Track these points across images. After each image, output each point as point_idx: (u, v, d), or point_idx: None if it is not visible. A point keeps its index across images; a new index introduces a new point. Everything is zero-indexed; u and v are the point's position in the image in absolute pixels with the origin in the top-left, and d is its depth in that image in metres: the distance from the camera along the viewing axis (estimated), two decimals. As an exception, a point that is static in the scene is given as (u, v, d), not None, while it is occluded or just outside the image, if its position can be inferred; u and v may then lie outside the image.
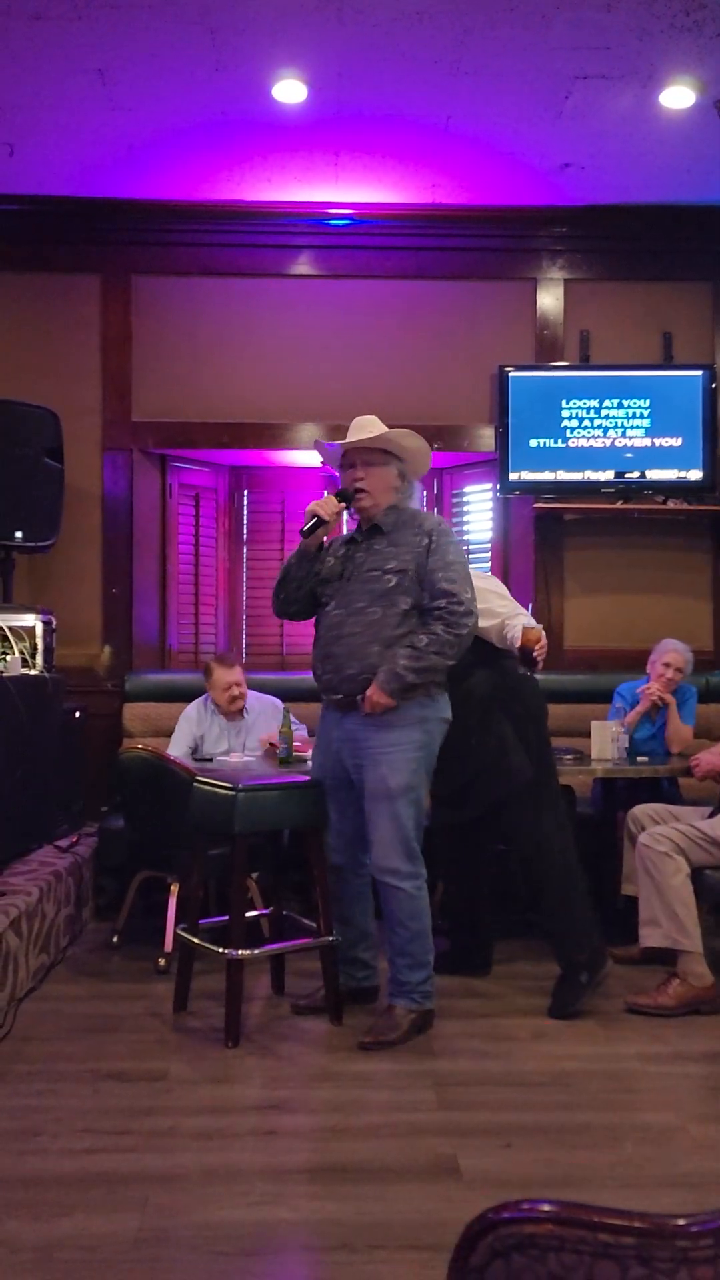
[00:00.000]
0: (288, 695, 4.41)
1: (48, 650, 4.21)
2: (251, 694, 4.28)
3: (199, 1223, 2.03)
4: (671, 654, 4.16)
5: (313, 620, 3.22)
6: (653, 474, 4.89)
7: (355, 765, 3.03)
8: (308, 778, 3.17)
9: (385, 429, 3.09)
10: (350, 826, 3.11)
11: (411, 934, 2.98)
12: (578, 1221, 0.73)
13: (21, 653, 3.97)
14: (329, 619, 3.07)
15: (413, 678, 2.89)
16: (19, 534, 4.45)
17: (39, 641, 4.13)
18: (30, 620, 4.15)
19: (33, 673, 3.99)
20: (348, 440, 3.10)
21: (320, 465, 5.30)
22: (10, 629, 3.99)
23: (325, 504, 3.07)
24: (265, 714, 4.25)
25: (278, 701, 4.29)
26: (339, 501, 3.09)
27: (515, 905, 4.33)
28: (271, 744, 4.02)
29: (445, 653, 2.91)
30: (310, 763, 3.36)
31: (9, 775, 3.48)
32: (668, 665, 4.14)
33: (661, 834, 3.34)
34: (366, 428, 3.09)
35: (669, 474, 4.88)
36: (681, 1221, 0.72)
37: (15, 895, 3.26)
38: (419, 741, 2.97)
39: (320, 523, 3.07)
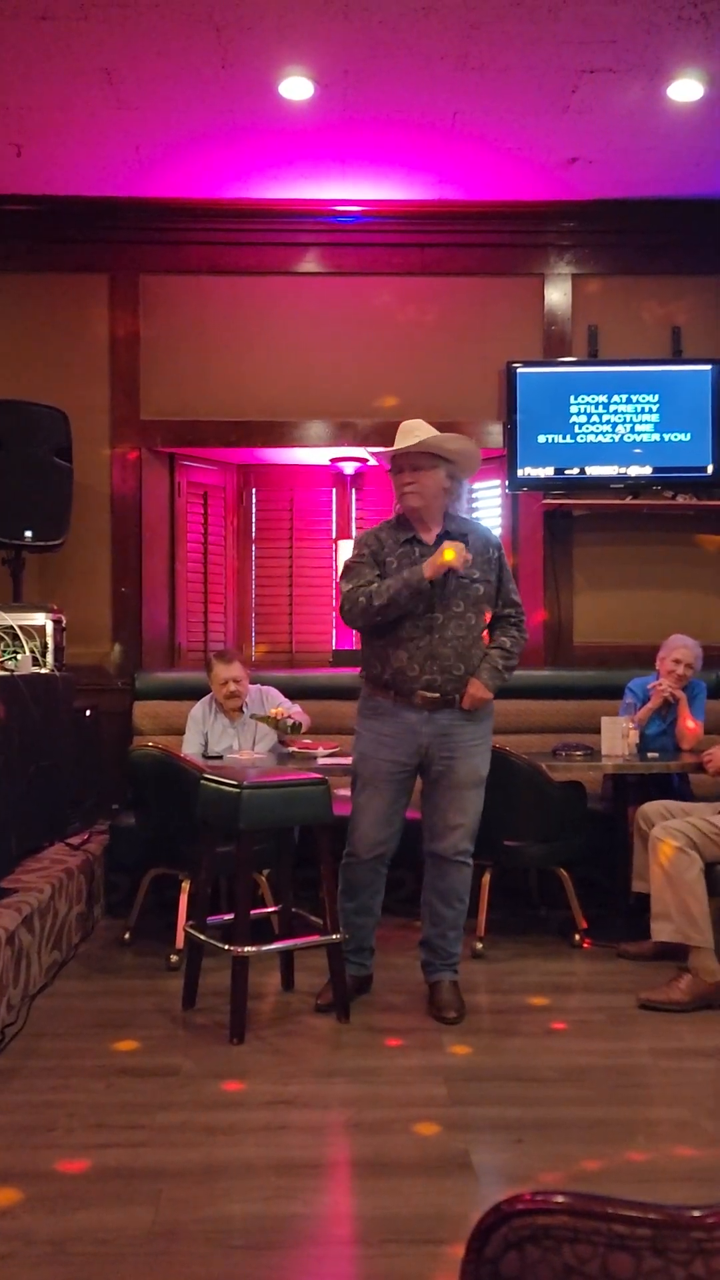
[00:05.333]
0: (297, 692, 4.42)
1: (58, 649, 4.22)
2: (252, 688, 4.28)
3: (212, 1217, 2.04)
4: (681, 650, 4.15)
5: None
6: (662, 469, 4.88)
7: (445, 757, 3.15)
8: (315, 775, 3.19)
9: (433, 431, 3.13)
10: (399, 819, 3.24)
11: (464, 907, 3.26)
12: (592, 1213, 0.73)
13: (32, 651, 3.99)
14: (425, 621, 3.10)
15: (508, 675, 3.22)
16: (29, 533, 4.46)
17: (49, 640, 4.14)
18: (40, 619, 4.16)
19: (43, 671, 4.00)
20: (395, 447, 3.14)
21: (329, 463, 5.32)
22: (21, 628, 4.00)
23: (466, 554, 3.02)
24: (256, 706, 4.25)
25: (268, 689, 4.30)
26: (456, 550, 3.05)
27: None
28: (278, 718, 4.03)
29: (520, 653, 3.28)
30: (328, 758, 3.39)
31: (21, 773, 3.50)
32: (678, 661, 4.12)
33: (676, 828, 3.34)
34: (414, 432, 3.14)
35: (678, 469, 4.86)
36: (697, 1213, 0.72)
37: (27, 892, 3.28)
38: (491, 732, 3.29)
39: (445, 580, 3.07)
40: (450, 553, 3.01)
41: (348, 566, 3.23)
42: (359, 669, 3.30)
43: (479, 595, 3.17)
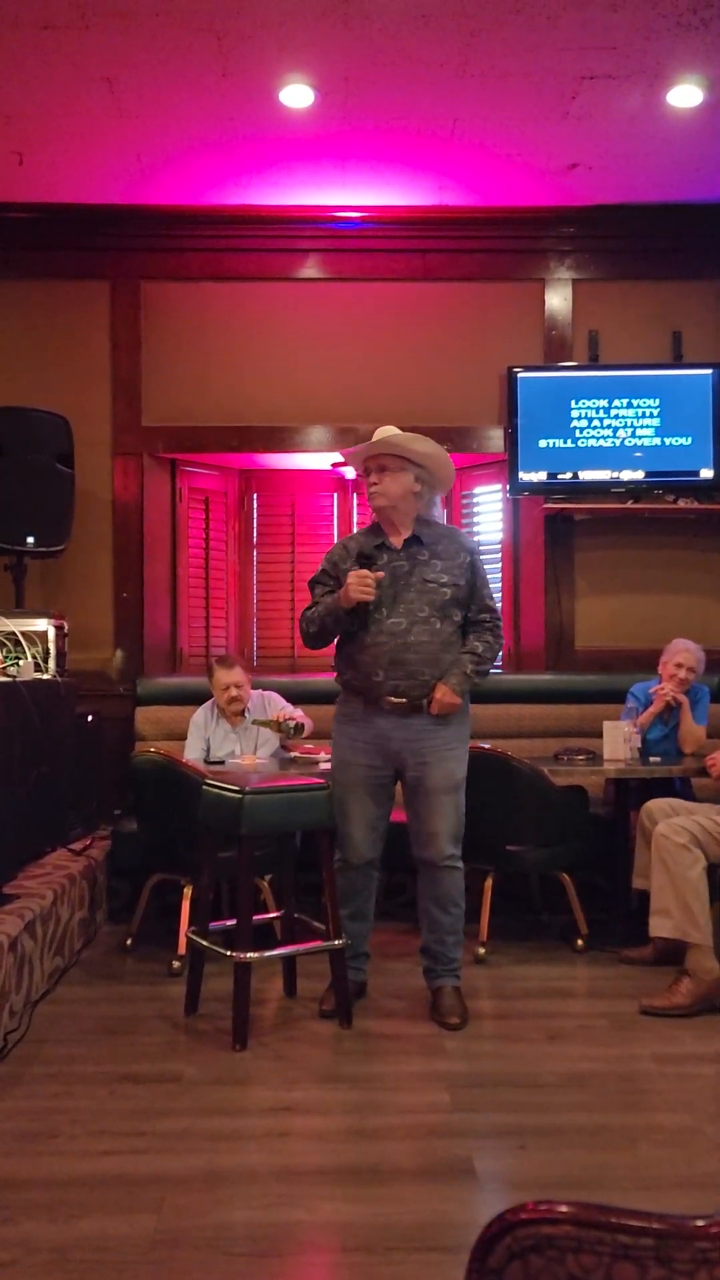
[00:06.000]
0: (299, 697, 4.42)
1: (60, 654, 4.22)
2: (254, 693, 4.29)
3: (215, 1224, 2.04)
4: (683, 653, 4.15)
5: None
6: (663, 473, 4.88)
7: (418, 763, 3.15)
8: (317, 780, 3.19)
9: (404, 435, 3.17)
10: (384, 823, 3.27)
11: (461, 911, 3.23)
12: (596, 1223, 0.73)
13: (34, 657, 3.99)
14: (388, 626, 3.13)
15: (478, 680, 3.20)
16: (31, 539, 4.47)
17: (51, 646, 4.15)
18: (42, 625, 4.16)
19: (45, 677, 4.01)
20: (359, 448, 3.19)
21: (330, 468, 5.33)
22: (23, 633, 4.00)
23: (366, 590, 3.05)
24: (258, 711, 4.26)
25: (270, 694, 4.31)
26: (366, 567, 3.10)
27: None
28: (282, 722, 4.04)
29: (495, 657, 3.26)
30: (329, 763, 3.40)
31: (23, 779, 3.50)
32: (680, 665, 4.12)
33: (681, 825, 3.33)
34: (385, 436, 3.18)
35: (679, 473, 4.86)
36: (701, 1222, 0.72)
37: (30, 898, 3.28)
38: (468, 736, 3.27)
39: (367, 605, 3.09)
40: (355, 591, 3.04)
41: (309, 584, 3.31)
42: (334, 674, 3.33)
43: (446, 600, 3.15)
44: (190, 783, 3.48)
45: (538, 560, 5.04)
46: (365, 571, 3.07)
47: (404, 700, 3.12)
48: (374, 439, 3.18)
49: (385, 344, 5.03)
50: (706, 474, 4.84)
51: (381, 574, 3.11)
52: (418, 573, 3.15)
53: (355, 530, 5.29)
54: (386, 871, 3.90)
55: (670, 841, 3.29)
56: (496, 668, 5.20)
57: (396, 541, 3.19)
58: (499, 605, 3.31)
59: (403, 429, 3.21)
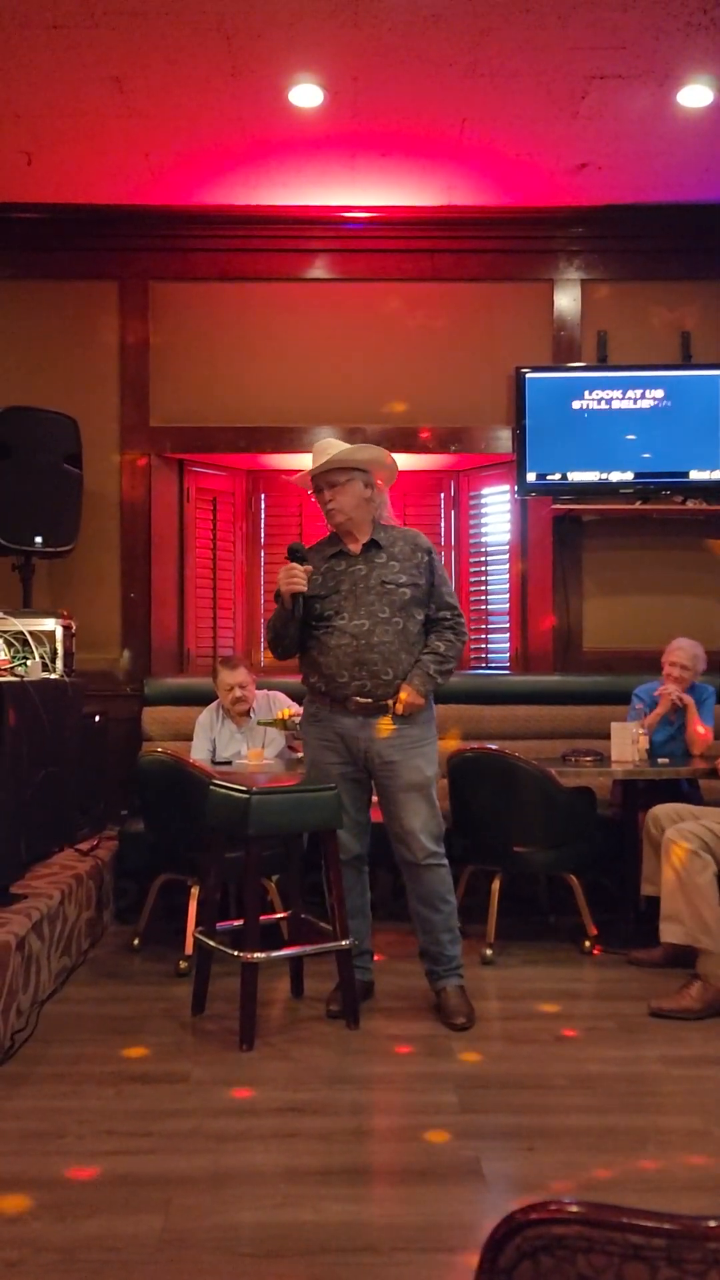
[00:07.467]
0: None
1: (67, 654, 4.23)
2: (260, 694, 4.29)
3: (222, 1224, 2.04)
4: (676, 652, 4.14)
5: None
6: (671, 474, 4.86)
7: (384, 763, 3.17)
8: (325, 781, 3.19)
9: (344, 446, 3.24)
10: (365, 818, 3.31)
11: (451, 908, 3.23)
12: (607, 1223, 0.73)
13: (42, 657, 3.99)
14: (351, 628, 3.16)
15: (441, 680, 3.21)
16: (39, 539, 4.47)
17: (59, 646, 4.15)
18: (50, 625, 4.17)
19: (53, 677, 4.01)
20: (309, 469, 3.24)
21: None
22: (30, 633, 4.01)
23: (294, 580, 3.13)
24: (263, 711, 4.26)
25: (275, 693, 4.32)
26: (294, 561, 3.18)
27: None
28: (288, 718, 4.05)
29: (457, 656, 3.27)
30: (305, 765, 3.42)
31: (30, 779, 3.50)
32: (673, 664, 4.12)
33: (690, 830, 3.32)
34: (325, 451, 3.23)
35: (687, 474, 4.85)
36: (713, 1223, 0.71)
37: (37, 898, 3.28)
38: (434, 735, 3.29)
39: (305, 596, 3.15)
40: (284, 585, 3.13)
41: (274, 598, 3.32)
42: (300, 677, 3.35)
43: (406, 600, 3.18)
44: (197, 783, 3.48)
45: (545, 561, 5.03)
46: (292, 564, 3.15)
47: (370, 700, 3.15)
48: (316, 455, 3.23)
49: (393, 344, 5.02)
50: (715, 475, 4.82)
51: (309, 568, 3.17)
52: (376, 575, 3.19)
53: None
54: (393, 873, 3.90)
55: (680, 847, 3.28)
56: (502, 669, 5.21)
57: (354, 548, 3.24)
58: (458, 603, 3.34)
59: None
